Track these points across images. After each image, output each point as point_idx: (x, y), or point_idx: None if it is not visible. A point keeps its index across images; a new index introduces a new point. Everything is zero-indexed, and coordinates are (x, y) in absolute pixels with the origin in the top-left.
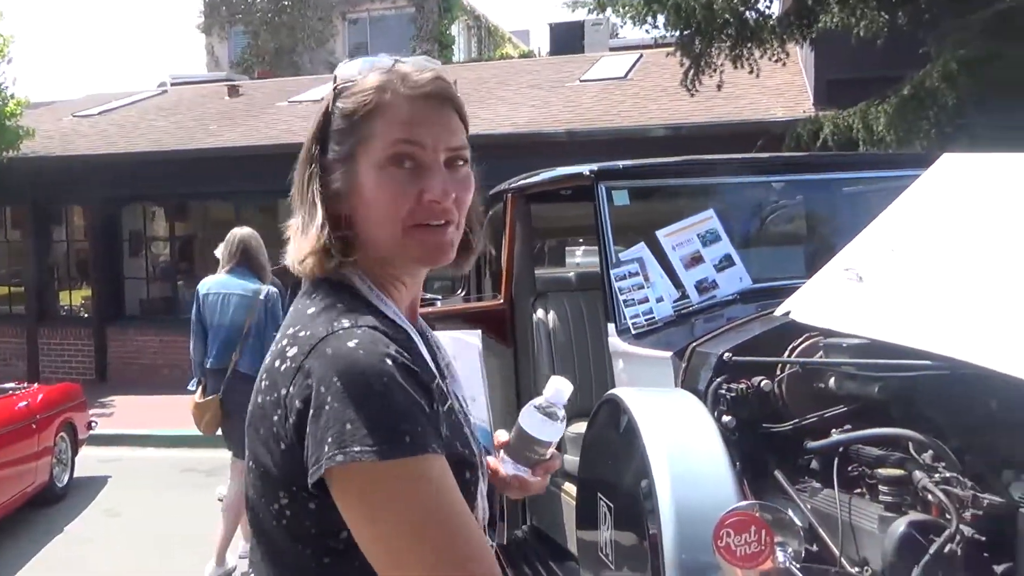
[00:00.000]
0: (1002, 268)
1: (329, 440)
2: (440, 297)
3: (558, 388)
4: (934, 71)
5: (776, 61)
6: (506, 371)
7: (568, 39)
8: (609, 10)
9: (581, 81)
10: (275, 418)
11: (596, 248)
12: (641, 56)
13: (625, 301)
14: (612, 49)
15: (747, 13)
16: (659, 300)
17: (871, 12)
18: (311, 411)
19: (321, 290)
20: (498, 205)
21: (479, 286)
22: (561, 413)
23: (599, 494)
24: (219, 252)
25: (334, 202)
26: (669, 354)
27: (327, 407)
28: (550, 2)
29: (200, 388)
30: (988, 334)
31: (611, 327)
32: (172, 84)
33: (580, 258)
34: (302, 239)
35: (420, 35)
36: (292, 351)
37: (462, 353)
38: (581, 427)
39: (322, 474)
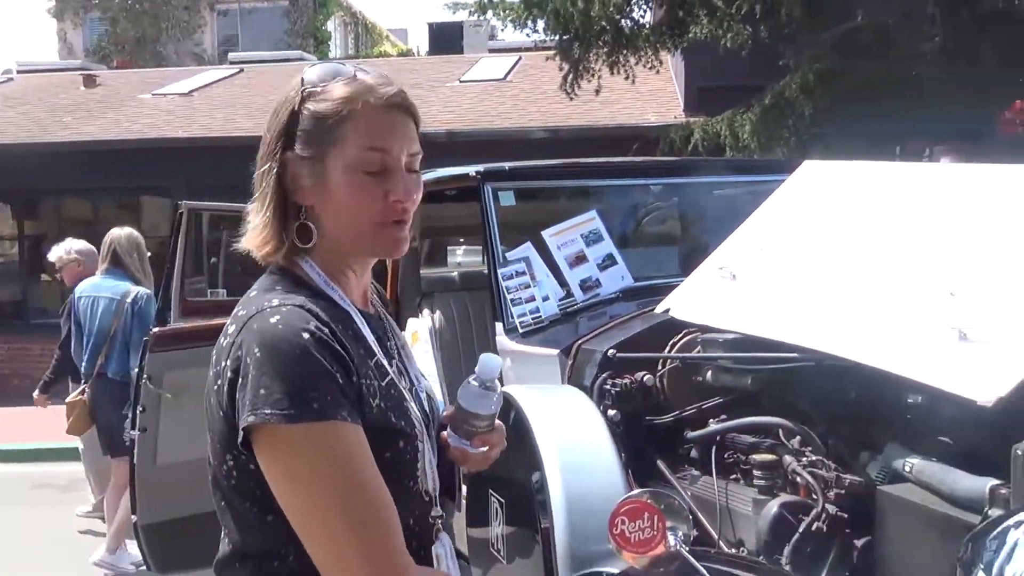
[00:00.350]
0: (859, 268)
1: (247, 403)
2: None
3: (487, 363)
4: (792, 83)
5: (650, 68)
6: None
7: (447, 39)
8: (489, 12)
9: (461, 82)
10: (215, 388)
11: (479, 248)
12: (520, 58)
13: (512, 300)
14: (491, 50)
15: (623, 21)
16: (545, 299)
17: (736, 25)
18: (239, 379)
19: (268, 276)
20: None
21: None
22: (493, 387)
23: (490, 490)
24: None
25: (297, 195)
26: (556, 352)
27: (249, 375)
28: (428, 1)
29: (79, 390)
30: (848, 328)
31: (499, 326)
32: (19, 71)
33: (461, 257)
34: (260, 225)
35: (294, 30)
36: (231, 328)
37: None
38: None
39: (241, 437)
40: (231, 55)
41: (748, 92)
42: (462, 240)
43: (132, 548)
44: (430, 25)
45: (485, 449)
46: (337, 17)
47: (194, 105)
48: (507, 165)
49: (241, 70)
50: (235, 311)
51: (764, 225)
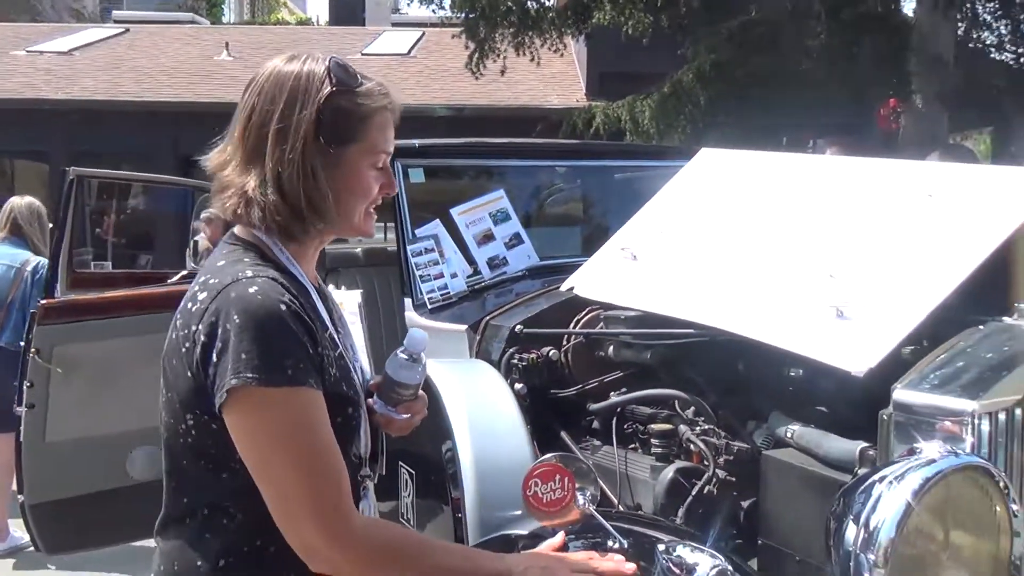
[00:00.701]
0: (750, 251)
1: (229, 368)
2: None
3: (415, 337)
4: (689, 72)
5: (554, 51)
6: None
7: (348, 9)
8: None
9: (363, 55)
10: (183, 350)
11: (379, 224)
12: (424, 34)
13: (421, 276)
14: (394, 24)
15: (528, 3)
16: (453, 276)
17: (638, 13)
18: (216, 344)
19: (231, 247)
20: None
21: None
22: (419, 359)
23: (399, 462)
24: None
25: (303, 179)
26: (464, 327)
27: (229, 340)
28: None
29: None
30: (737, 306)
31: (407, 302)
32: None
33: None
34: (250, 189)
35: None
36: (202, 295)
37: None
38: None
39: (224, 398)
40: (115, 13)
41: (648, 79)
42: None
43: (17, 531)
44: None
45: (408, 416)
46: None
47: (75, 65)
48: (417, 142)
49: (127, 30)
50: (202, 278)
51: (663, 209)
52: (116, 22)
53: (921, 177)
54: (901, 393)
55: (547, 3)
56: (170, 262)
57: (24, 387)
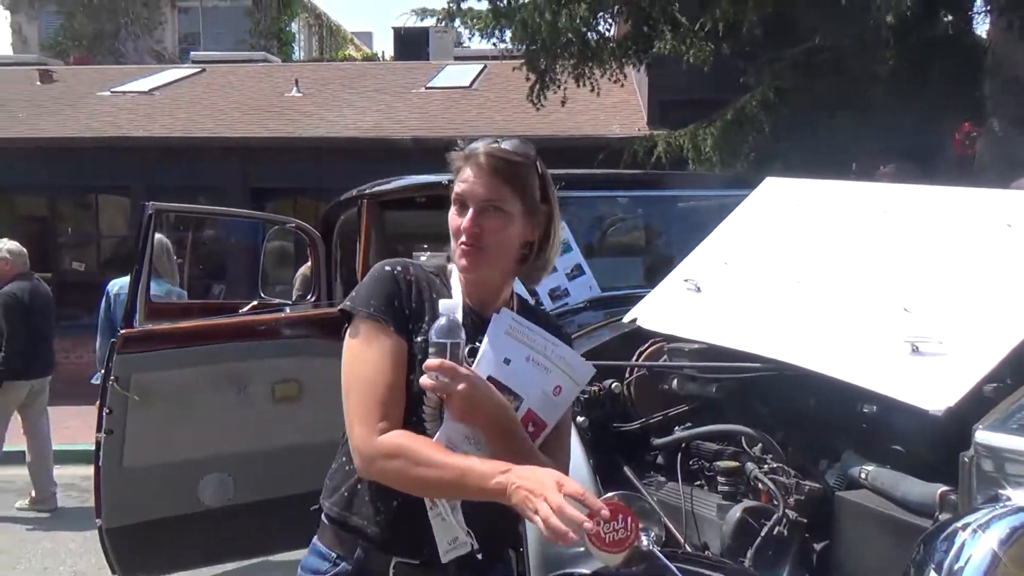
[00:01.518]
0: (819, 282)
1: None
2: (290, 303)
3: (445, 304)
4: (753, 99)
5: (614, 81)
6: None
7: (413, 45)
8: (457, 21)
9: (427, 88)
10: None
11: (442, 254)
12: (486, 67)
13: None
14: (457, 58)
15: (589, 34)
16: None
17: (699, 41)
18: None
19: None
20: (352, 210)
21: (330, 292)
22: (447, 320)
23: None
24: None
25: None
26: None
27: None
28: (394, 5)
29: None
30: (808, 340)
31: None
32: None
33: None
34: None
35: (258, 30)
36: None
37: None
38: None
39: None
40: (193, 54)
41: (709, 107)
42: (426, 246)
43: None
44: (396, 30)
45: (435, 382)
46: (301, 18)
47: (155, 104)
48: None
49: (203, 70)
50: None
51: (728, 239)
52: (194, 62)
53: (999, 206)
54: (984, 435)
55: (607, 34)
56: (242, 292)
57: (103, 413)
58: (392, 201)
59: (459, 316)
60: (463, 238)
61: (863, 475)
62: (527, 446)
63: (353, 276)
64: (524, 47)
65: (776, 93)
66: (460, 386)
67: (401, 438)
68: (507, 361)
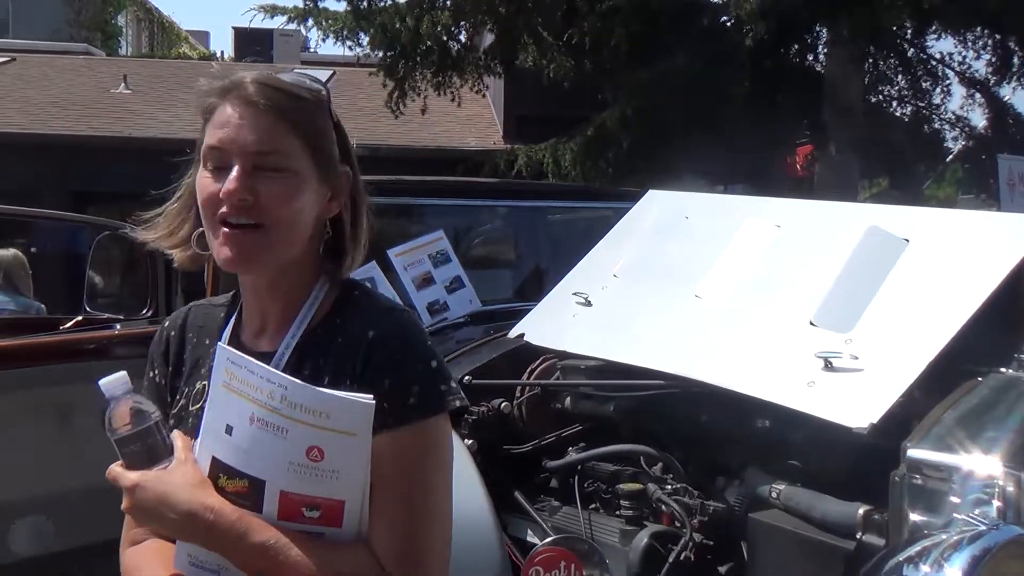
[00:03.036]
0: (715, 295)
1: None
2: (121, 318)
3: (106, 383)
4: (612, 116)
5: (477, 92)
6: None
7: (254, 46)
8: (310, 21)
9: None
10: None
11: None
12: (335, 73)
13: None
14: (304, 62)
15: (450, 42)
16: None
17: (561, 57)
18: None
19: None
20: None
21: (169, 305)
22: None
23: None
24: None
25: None
26: None
27: None
28: (233, 5)
29: None
30: (713, 356)
31: None
32: None
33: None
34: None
35: (78, 20)
36: None
37: None
38: None
39: None
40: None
41: (565, 123)
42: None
43: None
44: (237, 30)
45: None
46: (129, 12)
47: None
48: None
49: (13, 59)
50: None
51: (615, 251)
52: (1, 51)
53: (895, 221)
54: (916, 452)
55: (469, 43)
56: (62, 306)
57: None
58: None
59: (120, 393)
60: (223, 209)
61: (774, 494)
62: (285, 547)
63: (198, 290)
64: (382, 53)
65: (634, 111)
66: (124, 503)
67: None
68: (229, 430)
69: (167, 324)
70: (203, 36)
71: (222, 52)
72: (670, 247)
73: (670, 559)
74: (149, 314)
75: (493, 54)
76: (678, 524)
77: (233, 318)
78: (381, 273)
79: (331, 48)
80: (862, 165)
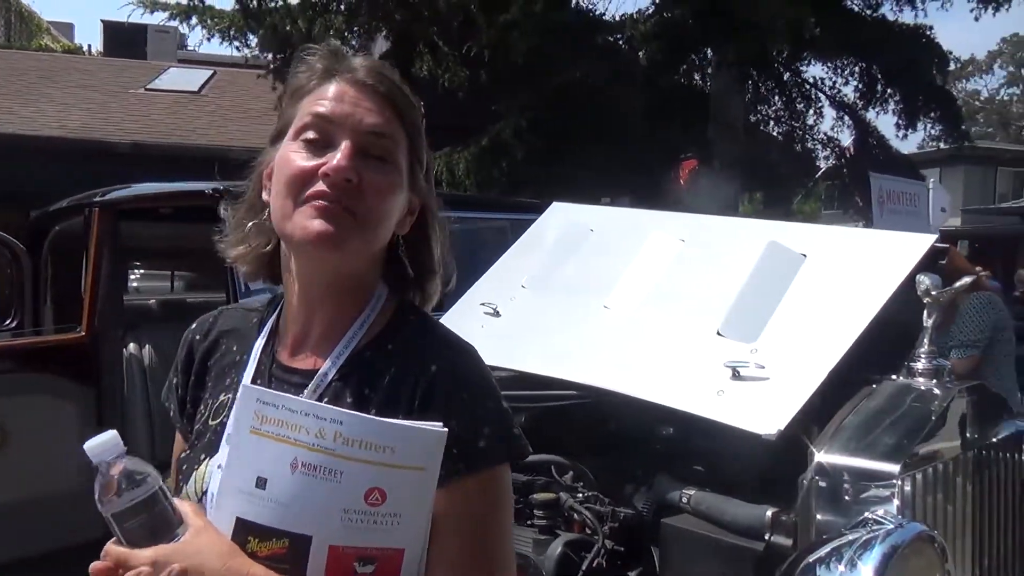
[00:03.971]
0: (624, 306)
1: None
2: None
3: (93, 445)
4: (507, 127)
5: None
6: (86, 417)
7: (127, 42)
8: (194, 19)
9: (147, 90)
10: None
11: (164, 273)
12: (215, 73)
13: None
14: (181, 61)
15: (344, 48)
16: None
17: (456, 67)
18: None
19: None
20: (73, 220)
21: (36, 316)
22: (115, 471)
23: None
24: None
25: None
26: None
27: None
28: None
29: None
30: (624, 366)
31: None
32: None
33: (140, 283)
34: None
35: None
36: None
37: None
38: None
39: None
40: None
41: (459, 133)
42: (138, 264)
43: None
44: (107, 24)
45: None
46: None
47: None
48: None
49: None
50: None
51: (521, 263)
52: None
53: (793, 237)
54: (822, 456)
55: (365, 50)
56: None
57: None
58: (130, 211)
59: (110, 457)
60: (318, 187)
61: (684, 499)
62: None
63: (71, 297)
64: (271, 55)
65: (529, 122)
66: None
67: None
68: (261, 483)
69: (194, 328)
70: (67, 28)
71: (90, 46)
72: (576, 259)
73: (584, 567)
74: (13, 325)
75: (388, 61)
76: (590, 532)
77: (268, 327)
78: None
79: (214, 48)
80: (742, 180)
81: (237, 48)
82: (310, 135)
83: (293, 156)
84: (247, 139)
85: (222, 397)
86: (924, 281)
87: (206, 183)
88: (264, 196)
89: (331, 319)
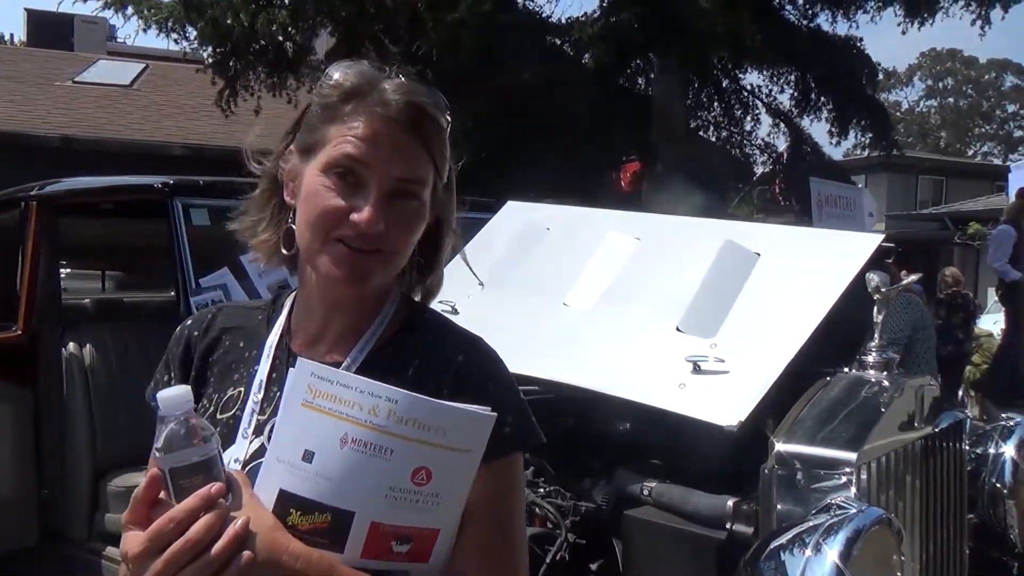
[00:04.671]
0: (583, 303)
1: None
2: None
3: (167, 396)
4: (453, 127)
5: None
6: (23, 419)
7: (52, 32)
8: (130, 9)
9: (75, 82)
10: None
11: (92, 273)
12: (148, 66)
13: None
14: (111, 53)
15: (286, 44)
16: None
17: (402, 65)
18: None
19: None
20: (9, 213)
21: None
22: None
23: None
24: None
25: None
26: None
27: None
28: None
29: None
30: (584, 361)
31: None
32: None
33: (67, 282)
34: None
35: None
36: None
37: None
38: (132, 478)
39: None
40: None
41: None
42: (64, 262)
43: None
44: (29, 12)
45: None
46: None
47: None
48: (201, 179)
49: None
50: None
51: (477, 260)
52: None
53: (747, 236)
54: (783, 446)
55: (307, 45)
56: None
57: None
58: (68, 206)
59: (180, 412)
60: (346, 231)
61: (645, 491)
62: None
63: (5, 296)
64: (211, 48)
65: (476, 123)
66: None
67: None
68: (308, 456)
69: (189, 324)
70: None
71: (12, 35)
72: (533, 257)
73: (547, 560)
74: None
75: (333, 58)
76: (552, 526)
77: (279, 324)
78: (234, 280)
79: (148, 40)
80: (683, 184)
81: (175, 41)
82: (340, 171)
83: (324, 193)
84: (185, 136)
85: (231, 391)
86: (874, 279)
87: (155, 178)
88: (287, 197)
89: (348, 321)
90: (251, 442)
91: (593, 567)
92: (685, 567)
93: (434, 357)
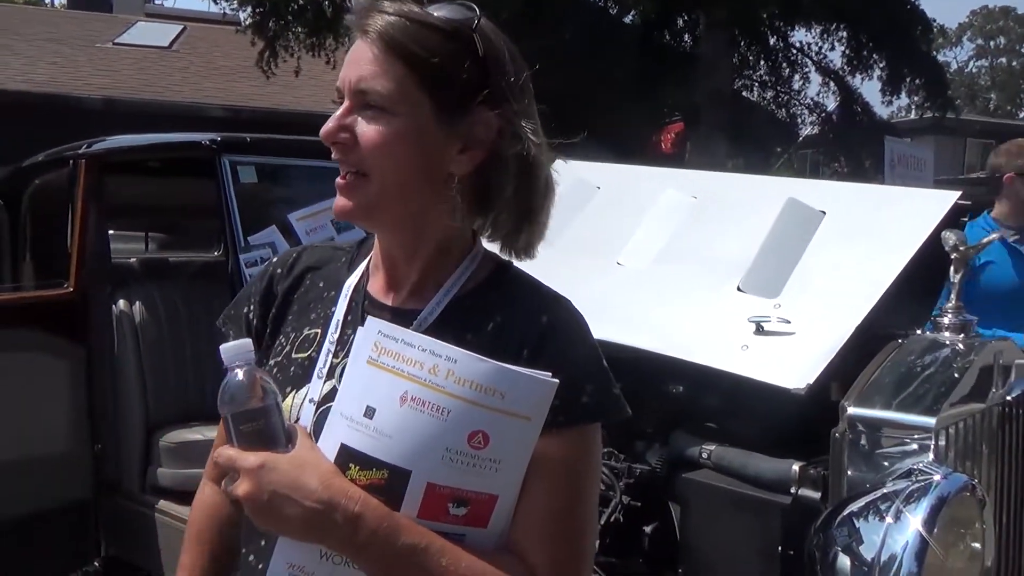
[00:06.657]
0: (640, 263)
1: None
2: None
3: (230, 348)
4: None
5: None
6: (76, 376)
7: None
8: None
9: (115, 44)
10: None
11: (132, 234)
12: (186, 28)
13: None
14: (148, 15)
15: (325, 2)
16: None
17: None
18: None
19: None
20: (53, 173)
21: (16, 272)
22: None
23: None
24: None
25: None
26: None
27: None
28: None
29: None
30: (642, 321)
31: None
32: None
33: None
34: None
35: None
36: None
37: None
38: (183, 434)
39: None
40: None
41: None
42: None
43: None
44: None
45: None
46: None
47: None
48: (248, 136)
49: None
50: None
51: None
52: None
53: (809, 194)
54: (855, 410)
55: (346, 3)
56: None
57: None
58: (118, 164)
59: (242, 362)
60: (334, 155)
61: (704, 455)
62: (440, 553)
63: (55, 254)
64: (250, 8)
65: None
66: (242, 488)
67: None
68: (370, 412)
69: (276, 262)
70: None
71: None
72: (584, 217)
73: (601, 521)
74: None
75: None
76: (606, 488)
77: (362, 266)
78: (282, 238)
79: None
80: (726, 145)
81: (215, 1)
82: (336, 97)
83: None
84: (224, 96)
85: (307, 331)
86: (951, 238)
87: (202, 135)
88: None
89: (426, 268)
90: (325, 383)
91: (647, 530)
92: (747, 531)
93: (517, 315)
